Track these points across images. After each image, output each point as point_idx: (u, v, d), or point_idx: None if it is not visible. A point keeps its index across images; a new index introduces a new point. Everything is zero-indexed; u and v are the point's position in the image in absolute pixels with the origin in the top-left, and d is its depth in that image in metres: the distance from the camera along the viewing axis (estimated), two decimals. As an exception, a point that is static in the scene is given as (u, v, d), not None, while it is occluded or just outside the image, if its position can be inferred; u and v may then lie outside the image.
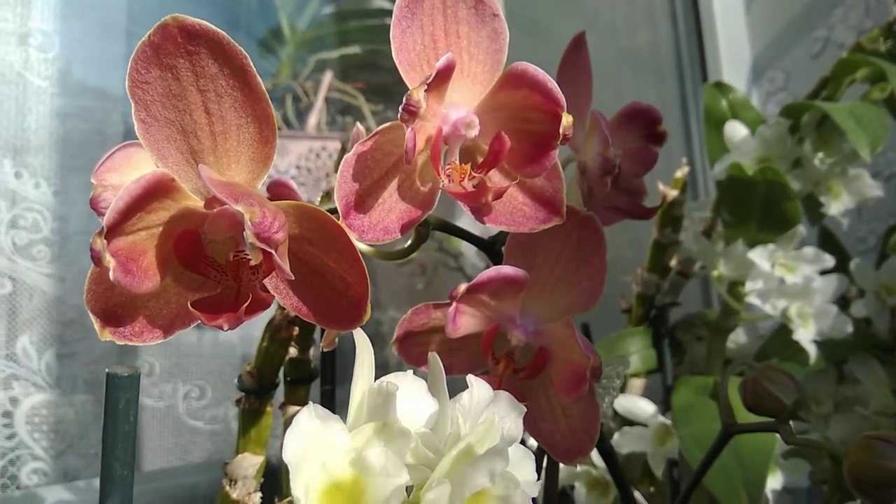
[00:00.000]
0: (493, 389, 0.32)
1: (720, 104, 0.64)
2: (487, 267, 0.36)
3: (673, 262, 0.65)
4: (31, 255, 0.77)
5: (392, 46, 0.28)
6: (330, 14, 1.27)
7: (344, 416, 0.24)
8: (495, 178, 0.30)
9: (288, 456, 0.21)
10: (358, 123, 0.35)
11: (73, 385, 0.79)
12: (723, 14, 1.02)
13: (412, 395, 0.27)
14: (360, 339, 0.25)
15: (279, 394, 0.45)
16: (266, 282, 0.25)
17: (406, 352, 0.35)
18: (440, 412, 0.27)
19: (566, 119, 0.27)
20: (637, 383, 0.62)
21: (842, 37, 0.97)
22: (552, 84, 0.27)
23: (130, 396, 0.21)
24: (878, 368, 0.57)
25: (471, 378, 0.27)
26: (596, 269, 0.34)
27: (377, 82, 1.23)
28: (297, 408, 0.44)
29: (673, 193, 0.60)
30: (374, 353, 0.26)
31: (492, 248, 0.37)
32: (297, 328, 0.42)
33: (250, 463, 0.42)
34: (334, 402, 0.43)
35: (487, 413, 0.27)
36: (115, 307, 0.24)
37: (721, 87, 0.66)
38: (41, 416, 0.77)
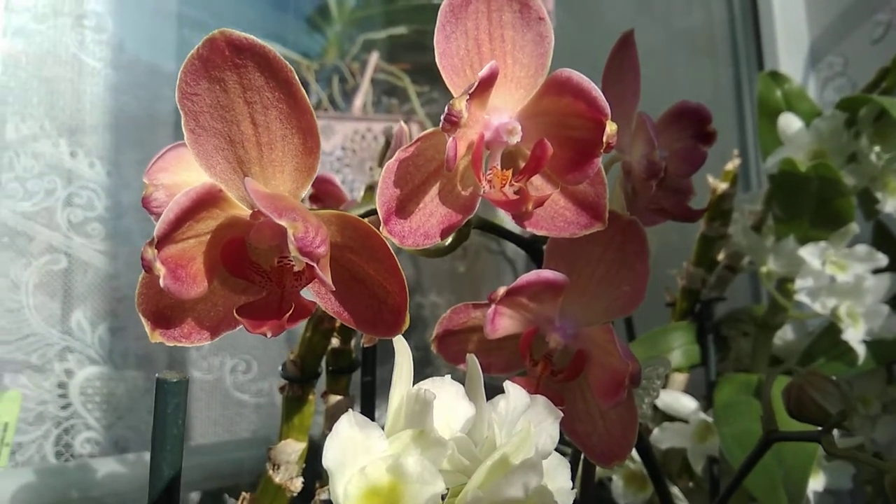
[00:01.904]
0: (531, 390, 0.33)
1: (775, 94, 0.63)
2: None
3: (720, 256, 0.64)
4: (85, 233, 0.80)
5: (436, 52, 0.28)
6: (376, -7, 1.27)
7: (383, 406, 0.25)
8: (537, 183, 0.30)
9: (328, 462, 0.22)
10: (401, 122, 0.35)
11: (125, 358, 0.82)
12: (781, -4, 0.99)
13: (449, 399, 0.27)
14: (399, 344, 0.25)
15: (321, 383, 0.46)
16: (308, 287, 0.26)
17: (445, 350, 0.36)
18: (477, 417, 0.27)
19: (610, 127, 0.27)
20: (679, 378, 0.61)
21: (906, 20, 0.92)
22: (596, 92, 0.27)
23: (179, 401, 0.22)
24: (929, 372, 0.56)
25: (508, 384, 0.27)
26: (637, 275, 0.33)
27: (423, 63, 1.22)
28: (339, 396, 0.45)
29: (723, 186, 0.59)
30: (415, 337, 0.26)
31: (532, 247, 0.37)
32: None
33: (293, 449, 0.43)
34: (374, 392, 0.44)
35: (524, 420, 0.27)
36: (165, 309, 0.25)
37: (776, 77, 0.64)
38: (94, 388, 0.80)
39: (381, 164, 0.45)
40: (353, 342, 0.45)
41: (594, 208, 0.30)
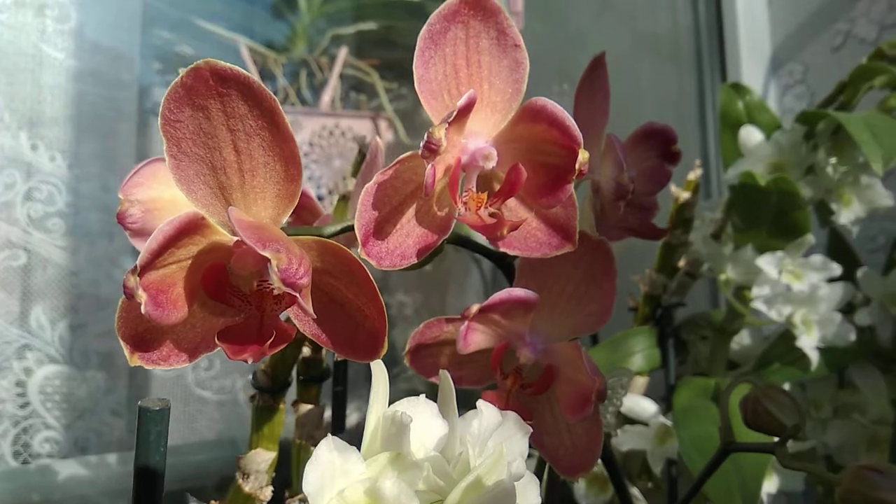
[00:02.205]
0: (501, 404, 0.34)
1: (737, 105, 0.64)
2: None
3: (681, 263, 0.66)
4: (45, 228, 0.79)
5: (415, 77, 0.29)
6: (346, -13, 1.26)
7: (354, 415, 0.25)
8: (511, 205, 0.31)
9: (308, 486, 0.22)
10: (377, 138, 0.36)
11: (85, 357, 0.81)
12: (744, 3, 1.01)
13: (424, 419, 0.28)
14: (376, 367, 0.26)
15: (291, 391, 0.46)
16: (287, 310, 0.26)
17: (417, 363, 0.36)
18: (450, 434, 0.28)
19: (582, 155, 0.28)
20: (640, 381, 0.63)
21: (864, 31, 0.96)
22: (570, 121, 0.27)
23: (161, 429, 0.22)
24: (878, 377, 0.58)
25: (481, 403, 0.28)
26: (605, 293, 0.34)
27: (392, 59, 1.22)
28: (310, 406, 0.45)
29: (685, 195, 0.60)
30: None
31: (502, 261, 0.38)
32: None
33: (263, 458, 0.43)
34: (345, 401, 0.44)
35: (496, 438, 0.28)
36: (144, 333, 0.25)
37: (738, 89, 0.65)
38: (54, 387, 0.79)
39: (354, 175, 0.45)
40: (323, 351, 0.46)
41: (565, 230, 0.31)
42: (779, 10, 1.03)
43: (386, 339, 0.25)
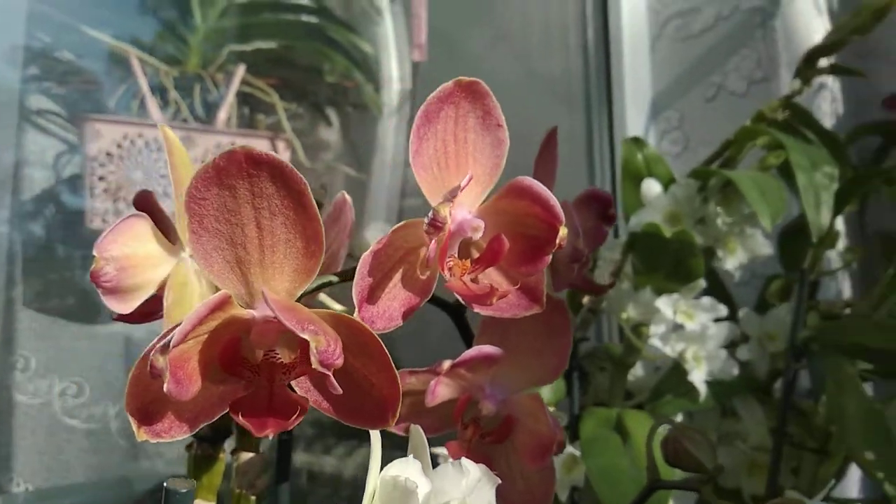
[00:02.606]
0: (463, 453, 0.36)
1: (637, 158, 0.70)
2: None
3: (585, 300, 0.70)
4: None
5: (410, 151, 0.30)
6: (243, 4, 1.23)
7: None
8: (488, 272, 0.33)
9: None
10: (344, 192, 0.37)
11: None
12: (631, 52, 1.09)
13: (412, 478, 0.29)
14: (374, 435, 0.27)
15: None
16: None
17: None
18: (432, 492, 0.30)
19: (562, 231, 0.30)
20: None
21: (734, 85, 1.06)
22: (553, 200, 0.30)
23: (188, 509, 0.22)
24: (757, 408, 0.66)
25: (465, 461, 0.30)
26: (562, 347, 0.37)
27: (289, 79, 1.21)
28: (251, 454, 0.45)
29: (592, 239, 0.65)
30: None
31: (456, 312, 0.40)
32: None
33: (202, 508, 0.43)
34: (290, 451, 0.44)
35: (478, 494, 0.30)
36: (149, 405, 0.25)
37: (637, 142, 0.72)
38: None
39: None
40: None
41: (534, 293, 0.34)
42: (659, 61, 1.13)
43: (397, 408, 0.26)
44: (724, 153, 0.71)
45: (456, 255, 0.32)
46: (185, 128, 1.05)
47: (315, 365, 0.22)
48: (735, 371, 0.65)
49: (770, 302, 0.76)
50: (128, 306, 0.31)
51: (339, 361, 0.23)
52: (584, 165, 1.09)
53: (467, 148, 0.32)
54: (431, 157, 0.31)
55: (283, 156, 1.15)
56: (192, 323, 0.22)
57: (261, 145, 1.14)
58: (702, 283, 0.64)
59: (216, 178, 0.23)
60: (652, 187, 0.66)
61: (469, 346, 0.41)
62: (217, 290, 0.33)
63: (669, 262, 0.63)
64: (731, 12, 1.08)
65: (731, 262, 0.66)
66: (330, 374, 0.23)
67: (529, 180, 0.30)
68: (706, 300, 0.65)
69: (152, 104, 1.06)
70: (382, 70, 1.26)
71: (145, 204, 0.35)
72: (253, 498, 0.43)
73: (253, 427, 0.24)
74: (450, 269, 0.31)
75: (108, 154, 0.97)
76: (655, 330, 0.65)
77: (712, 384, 0.65)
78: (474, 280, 0.32)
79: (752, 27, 1.06)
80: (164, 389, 0.22)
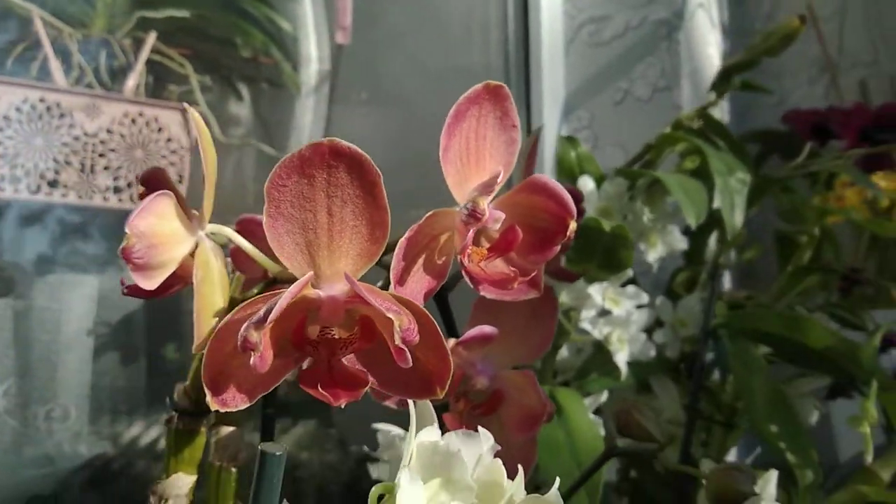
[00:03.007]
0: (457, 424, 0.39)
1: (570, 155, 0.75)
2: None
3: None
4: None
5: (441, 148, 0.33)
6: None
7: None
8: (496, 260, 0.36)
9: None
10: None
11: None
12: (548, 53, 1.15)
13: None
14: (414, 408, 0.30)
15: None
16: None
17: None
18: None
19: (572, 224, 0.34)
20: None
21: (640, 91, 1.15)
22: (567, 197, 0.34)
23: (280, 472, 0.24)
24: (671, 386, 0.73)
25: (481, 430, 0.33)
26: (547, 328, 0.41)
27: (202, 50, 1.18)
28: (231, 428, 0.46)
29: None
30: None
31: (441, 296, 0.43)
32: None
33: (184, 482, 0.43)
34: (274, 425, 0.46)
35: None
36: (217, 377, 0.26)
37: (571, 141, 0.77)
38: None
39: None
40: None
41: (534, 280, 0.37)
42: (573, 63, 1.20)
43: (446, 382, 0.29)
44: (644, 156, 0.77)
45: (470, 244, 0.35)
46: (90, 94, 1.00)
47: (398, 342, 0.24)
48: (652, 353, 0.72)
49: (676, 291, 0.84)
50: (153, 283, 0.32)
51: (417, 338, 0.25)
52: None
53: (486, 145, 0.34)
54: (457, 153, 0.33)
55: (194, 129, 1.11)
56: (286, 301, 0.24)
57: (172, 117, 1.11)
58: (629, 272, 0.70)
59: (299, 167, 0.25)
60: (587, 184, 0.71)
61: (450, 326, 0.44)
62: (232, 269, 0.34)
63: (602, 252, 0.68)
64: (640, 23, 1.16)
65: (652, 254, 0.73)
66: (407, 350, 0.25)
67: (546, 178, 0.34)
68: (631, 288, 0.71)
69: (56, 67, 1.01)
70: (301, 49, 1.25)
71: (157, 181, 0.36)
72: (234, 470, 0.44)
73: (331, 397, 0.26)
74: (468, 255, 0.34)
75: (6, 118, 0.91)
76: (586, 314, 0.71)
77: (632, 364, 0.71)
78: (506, 270, 0.35)
79: (659, 38, 1.15)
80: (251, 362, 0.24)
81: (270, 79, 1.24)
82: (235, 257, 0.40)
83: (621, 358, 0.70)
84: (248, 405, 0.27)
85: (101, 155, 0.97)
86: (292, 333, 0.26)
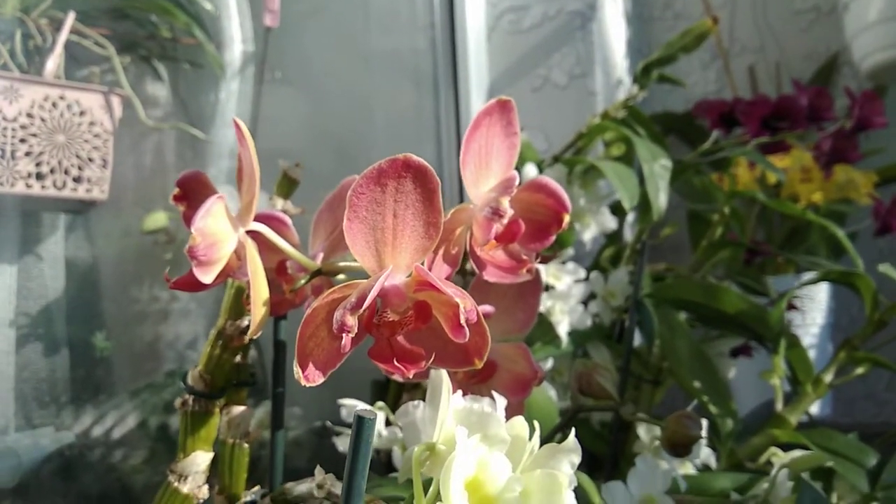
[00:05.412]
0: (454, 391, 0.44)
1: (512, 143, 0.82)
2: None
3: (468, 266, 0.81)
4: None
5: (463, 153, 0.38)
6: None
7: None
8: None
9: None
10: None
11: None
12: (474, 38, 1.21)
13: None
14: (437, 375, 0.35)
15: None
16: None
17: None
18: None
19: (566, 218, 0.40)
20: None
21: (557, 78, 1.22)
22: (564, 195, 0.40)
23: (373, 434, 0.28)
24: (605, 351, 0.81)
25: (496, 395, 0.39)
26: (531, 305, 0.47)
27: (121, 31, 1.15)
28: (241, 407, 0.49)
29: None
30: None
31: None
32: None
33: (202, 459, 0.47)
34: (283, 403, 0.49)
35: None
36: (301, 357, 0.30)
37: (512, 129, 0.83)
38: None
39: (279, 194, 0.50)
40: (249, 357, 0.50)
41: (526, 264, 0.43)
42: (495, 49, 1.26)
43: (483, 354, 0.34)
44: (576, 142, 0.84)
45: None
46: (8, 77, 0.97)
47: (462, 322, 0.30)
48: (588, 322, 0.80)
49: (603, 266, 0.93)
50: (211, 277, 0.36)
51: (477, 319, 0.31)
52: (433, 142, 1.18)
53: (492, 149, 0.40)
54: (473, 157, 0.39)
55: (118, 111, 1.10)
56: (376, 291, 0.28)
57: (94, 99, 1.09)
58: (570, 251, 0.77)
59: (377, 177, 0.29)
60: (530, 171, 0.78)
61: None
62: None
63: (546, 233, 0.75)
64: (557, 13, 1.24)
65: (588, 234, 0.81)
66: (466, 329, 0.30)
67: (545, 179, 0.40)
68: (570, 265, 0.79)
69: (-35, 49, 0.97)
70: (224, 29, 1.24)
71: (195, 183, 0.39)
72: (246, 446, 0.48)
73: (403, 369, 0.30)
74: (480, 245, 0.40)
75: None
76: (529, 290, 0.78)
77: (571, 333, 0.79)
78: (513, 258, 0.40)
79: (574, 28, 1.23)
80: (343, 342, 0.28)
81: (193, 60, 1.23)
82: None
83: (563, 328, 0.78)
84: (323, 380, 0.32)
85: (21, 140, 0.95)
86: (367, 319, 0.31)
